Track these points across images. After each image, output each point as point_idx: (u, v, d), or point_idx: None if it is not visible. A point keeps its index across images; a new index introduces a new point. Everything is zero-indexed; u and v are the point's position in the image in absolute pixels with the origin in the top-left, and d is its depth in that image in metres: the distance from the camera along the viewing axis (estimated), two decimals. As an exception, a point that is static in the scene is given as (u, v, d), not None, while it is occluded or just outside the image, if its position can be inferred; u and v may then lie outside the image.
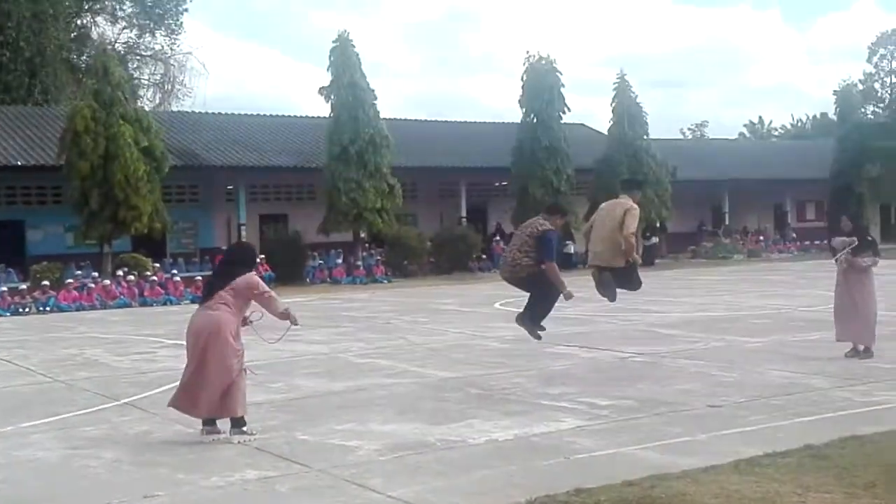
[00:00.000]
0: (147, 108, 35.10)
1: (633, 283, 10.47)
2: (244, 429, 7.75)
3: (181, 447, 7.60)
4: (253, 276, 7.96)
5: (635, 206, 10.20)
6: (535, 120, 35.74)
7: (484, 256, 35.31)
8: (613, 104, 38.35)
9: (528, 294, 10.09)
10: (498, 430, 7.81)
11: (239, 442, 7.61)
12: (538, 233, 9.70)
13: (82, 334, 17.71)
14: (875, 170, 44.04)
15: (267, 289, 7.99)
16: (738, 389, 9.33)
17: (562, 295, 9.73)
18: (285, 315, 8.01)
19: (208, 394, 7.65)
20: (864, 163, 43.68)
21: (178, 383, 8.05)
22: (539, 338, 10.34)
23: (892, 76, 77.69)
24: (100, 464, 7.19)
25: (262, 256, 29.29)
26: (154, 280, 26.24)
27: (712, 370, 10.62)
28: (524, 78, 36.20)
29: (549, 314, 10.18)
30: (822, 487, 5.82)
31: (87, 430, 8.46)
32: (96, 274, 26.62)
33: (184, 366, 7.98)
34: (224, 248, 32.81)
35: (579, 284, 11.17)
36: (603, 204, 10.81)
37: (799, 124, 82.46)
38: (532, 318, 10.07)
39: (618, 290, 10.43)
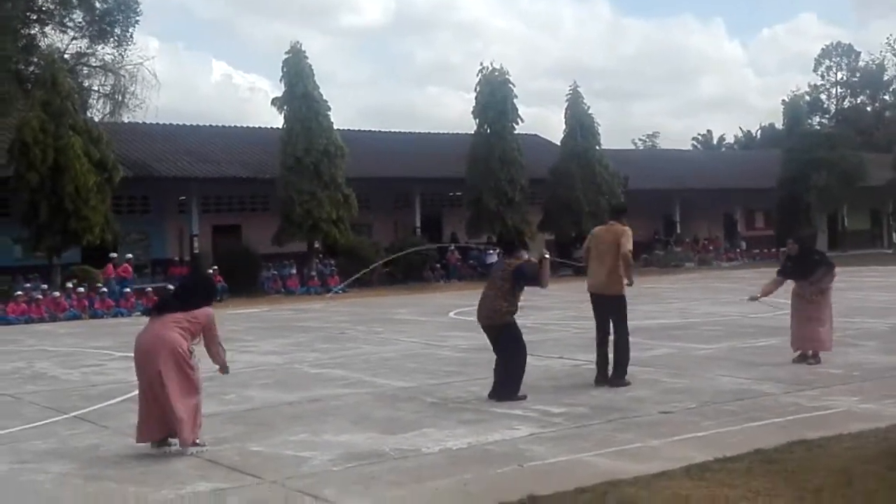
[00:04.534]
0: (97, 119, 34.63)
1: (618, 314, 10.36)
2: (196, 441, 7.66)
3: (131, 460, 7.51)
4: (213, 315, 7.92)
5: (627, 228, 10.36)
6: (488, 131, 35.92)
7: (439, 266, 35.39)
8: (566, 115, 38.66)
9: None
10: (452, 438, 7.82)
11: (191, 454, 7.53)
12: (511, 271, 9.73)
13: (31, 347, 17.43)
14: (822, 179, 44.76)
15: (211, 336, 7.94)
16: (690, 396, 9.43)
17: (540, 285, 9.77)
18: (222, 364, 8.08)
19: (176, 411, 7.52)
20: (811, 173, 44.39)
21: (131, 403, 7.87)
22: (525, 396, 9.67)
23: (838, 87, 79.28)
24: (47, 478, 7.08)
25: (215, 267, 29.11)
26: (104, 292, 25.90)
27: (664, 377, 10.72)
28: (478, 90, 36.39)
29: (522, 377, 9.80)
30: (772, 491, 5.90)
31: (35, 443, 8.32)
32: (45, 286, 26.21)
33: (136, 388, 7.81)
34: (177, 258, 32.57)
35: (534, 294, 11.18)
36: (595, 230, 10.87)
37: (747, 135, 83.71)
38: (505, 386, 9.60)
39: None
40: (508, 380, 9.65)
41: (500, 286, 9.75)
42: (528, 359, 9.96)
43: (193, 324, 7.74)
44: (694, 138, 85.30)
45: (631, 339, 10.49)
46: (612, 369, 10.29)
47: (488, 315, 9.80)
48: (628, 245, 10.22)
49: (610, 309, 10.43)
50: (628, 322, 10.49)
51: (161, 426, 7.62)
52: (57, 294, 25.31)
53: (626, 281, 10.31)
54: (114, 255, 28.30)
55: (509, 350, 9.74)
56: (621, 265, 10.22)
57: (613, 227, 10.47)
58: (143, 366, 7.65)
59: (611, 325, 10.44)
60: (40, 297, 24.99)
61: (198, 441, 7.65)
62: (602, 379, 10.29)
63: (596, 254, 10.46)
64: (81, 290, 25.68)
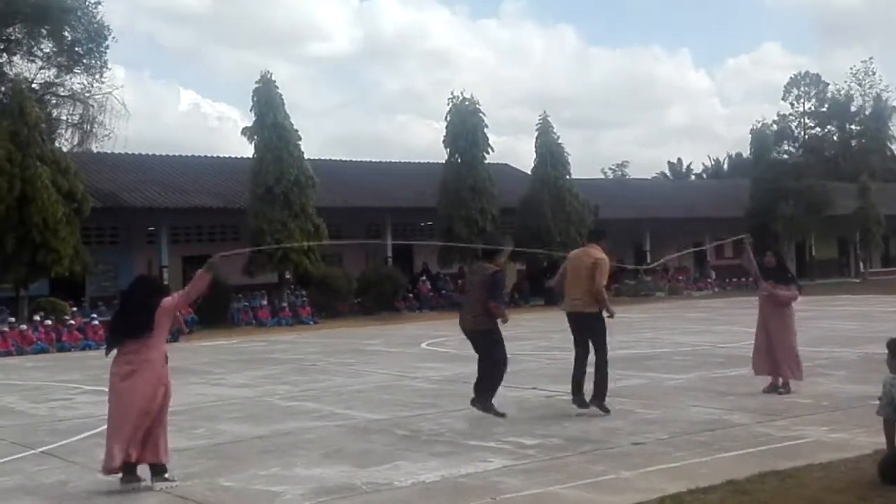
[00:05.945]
0: (65, 149, 34.40)
1: (598, 336, 10.33)
2: (166, 476, 7.57)
3: (100, 497, 7.40)
4: (170, 297, 7.78)
5: (603, 256, 10.27)
6: (459, 160, 36.04)
7: (410, 296, 35.36)
8: (536, 144, 38.85)
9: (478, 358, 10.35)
10: (425, 471, 7.78)
11: (161, 490, 7.44)
12: (487, 277, 9.93)
13: (-3, 381, 17.20)
14: (789, 208, 45.24)
15: (182, 294, 7.82)
16: (662, 426, 9.44)
17: (499, 320, 10.21)
18: (207, 273, 7.74)
19: (163, 435, 7.51)
20: (778, 201, 44.85)
21: (100, 438, 7.74)
22: (504, 415, 10.14)
23: (806, 117, 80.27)
24: (14, 516, 6.97)
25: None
26: (72, 324, 25.62)
27: (636, 407, 10.73)
28: (448, 119, 36.55)
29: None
30: (744, 522, 5.92)
31: (1, 480, 8.18)
32: (12, 319, 25.89)
33: (104, 422, 7.70)
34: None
35: (506, 325, 11.18)
36: (571, 253, 10.90)
37: (716, 164, 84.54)
38: (486, 390, 10.13)
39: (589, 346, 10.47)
40: (488, 380, 10.14)
41: (479, 294, 10.06)
42: (501, 390, 10.03)
43: (162, 318, 7.57)
44: (668, 162, 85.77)
45: (604, 368, 10.47)
46: (593, 394, 10.26)
47: (472, 321, 10.15)
48: (602, 281, 10.16)
49: (588, 328, 10.33)
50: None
51: (136, 450, 7.48)
52: (24, 327, 24.98)
53: (606, 313, 10.32)
54: None
55: (492, 355, 10.13)
56: (596, 296, 10.21)
57: (590, 251, 10.42)
58: (132, 389, 7.46)
59: (591, 346, 10.39)
60: (6, 329, 24.66)
61: (167, 476, 7.56)
62: (577, 392, 10.25)
63: (572, 276, 10.42)
64: (49, 322, 25.39)
